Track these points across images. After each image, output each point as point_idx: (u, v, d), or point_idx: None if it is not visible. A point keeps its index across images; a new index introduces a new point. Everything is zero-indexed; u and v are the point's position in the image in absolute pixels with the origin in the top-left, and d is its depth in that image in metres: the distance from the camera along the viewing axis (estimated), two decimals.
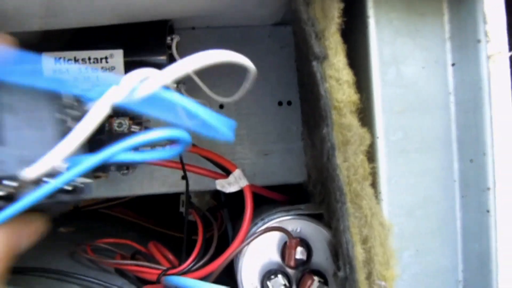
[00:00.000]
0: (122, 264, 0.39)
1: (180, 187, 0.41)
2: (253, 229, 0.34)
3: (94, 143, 0.23)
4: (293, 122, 0.42)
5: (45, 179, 0.21)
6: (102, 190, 0.40)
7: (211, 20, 0.40)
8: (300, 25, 0.26)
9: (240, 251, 0.33)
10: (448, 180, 0.30)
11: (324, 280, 0.33)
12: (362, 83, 0.28)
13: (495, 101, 0.27)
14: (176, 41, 0.36)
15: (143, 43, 0.35)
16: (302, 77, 0.39)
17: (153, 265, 0.37)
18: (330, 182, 0.27)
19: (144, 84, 0.21)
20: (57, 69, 0.28)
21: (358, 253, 0.26)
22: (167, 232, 0.47)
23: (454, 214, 0.30)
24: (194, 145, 0.35)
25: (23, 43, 0.22)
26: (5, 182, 0.20)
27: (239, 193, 0.36)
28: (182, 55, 0.37)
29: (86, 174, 0.21)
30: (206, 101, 0.36)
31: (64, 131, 0.22)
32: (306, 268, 0.33)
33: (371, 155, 0.28)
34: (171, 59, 0.36)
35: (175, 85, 0.35)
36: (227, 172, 0.36)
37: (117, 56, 0.34)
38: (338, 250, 0.28)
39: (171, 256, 0.38)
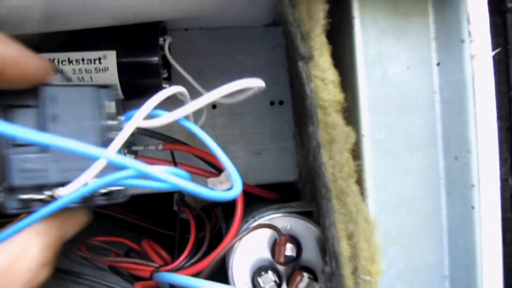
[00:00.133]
0: (115, 261, 0.40)
1: None
2: (244, 226, 0.34)
3: None
4: (285, 122, 0.43)
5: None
6: None
7: (204, 21, 0.41)
8: (287, 26, 0.27)
9: (231, 248, 0.33)
10: (433, 177, 0.30)
11: (314, 277, 0.33)
12: (348, 82, 0.29)
13: (479, 100, 0.28)
14: (169, 42, 0.37)
15: (136, 44, 0.35)
16: (292, 77, 0.39)
17: (146, 262, 0.37)
18: (316, 180, 0.28)
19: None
20: None
21: (344, 248, 0.27)
22: (161, 231, 0.47)
23: (440, 211, 0.30)
24: (186, 144, 0.36)
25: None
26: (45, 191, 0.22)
27: None
28: (175, 56, 0.38)
29: None
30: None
31: (104, 140, 0.23)
32: (296, 264, 0.34)
33: (356, 153, 0.28)
34: (164, 60, 0.37)
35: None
36: (219, 171, 0.36)
37: (111, 57, 0.34)
38: (326, 246, 0.29)
39: (164, 254, 0.38)
